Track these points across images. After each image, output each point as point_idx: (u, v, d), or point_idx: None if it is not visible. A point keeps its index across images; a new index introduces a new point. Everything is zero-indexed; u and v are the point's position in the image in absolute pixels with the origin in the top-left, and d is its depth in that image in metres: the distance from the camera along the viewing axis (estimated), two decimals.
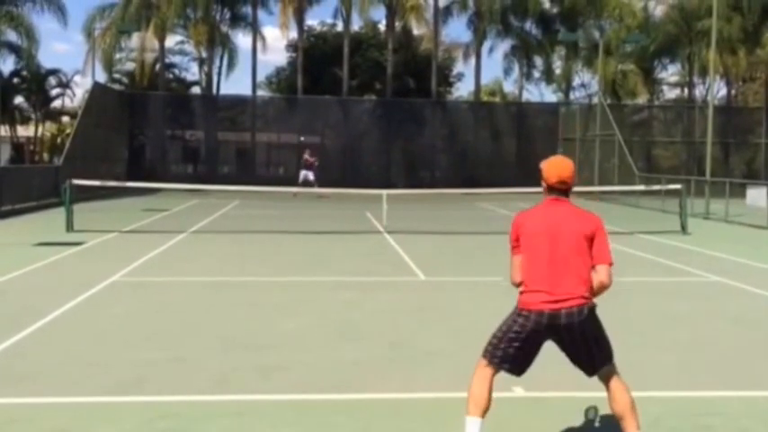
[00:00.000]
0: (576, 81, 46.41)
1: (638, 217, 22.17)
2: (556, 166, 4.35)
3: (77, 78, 62.30)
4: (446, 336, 7.41)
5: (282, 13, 39.02)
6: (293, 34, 41.36)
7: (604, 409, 4.48)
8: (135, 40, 41.12)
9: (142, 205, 23.31)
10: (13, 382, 5.74)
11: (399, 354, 6.74)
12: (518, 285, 4.28)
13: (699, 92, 45.27)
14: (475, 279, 11.06)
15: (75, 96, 51.49)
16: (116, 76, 45.14)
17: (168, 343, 7.01)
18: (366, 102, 42.45)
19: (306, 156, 30.53)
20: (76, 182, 17.42)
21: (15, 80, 47.36)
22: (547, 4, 41.87)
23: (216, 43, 40.19)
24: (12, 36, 37.22)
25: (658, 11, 42.80)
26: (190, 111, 40.19)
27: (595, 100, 36.36)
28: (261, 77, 48.58)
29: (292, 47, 44.53)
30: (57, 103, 52.41)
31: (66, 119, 53.09)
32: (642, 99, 45.76)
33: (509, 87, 53.96)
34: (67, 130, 45.29)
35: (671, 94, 53.20)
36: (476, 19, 40.17)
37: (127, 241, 14.87)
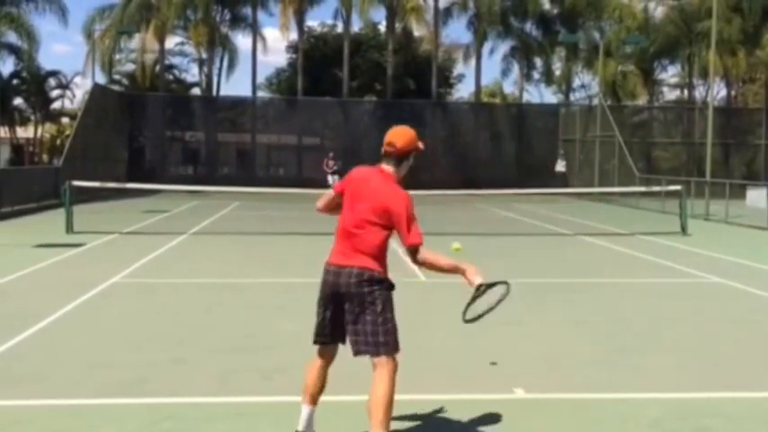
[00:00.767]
0: (577, 82, 46.57)
1: (638, 218, 22.18)
2: (390, 132, 4.45)
3: (77, 79, 62.43)
4: (446, 337, 7.41)
5: (282, 14, 39.05)
6: (293, 35, 41.49)
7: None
8: (135, 41, 41.20)
9: (142, 206, 23.31)
10: (13, 383, 5.74)
11: (399, 355, 6.72)
12: None
13: (699, 93, 45.38)
14: None
15: (75, 97, 51.66)
16: (116, 77, 45.18)
17: (169, 344, 7.01)
18: (366, 103, 42.47)
19: (328, 160, 30.80)
20: (76, 183, 17.45)
21: (15, 81, 47.41)
22: (547, 6, 41.95)
23: (216, 44, 40.22)
24: (12, 37, 37.33)
25: (658, 12, 42.90)
26: (190, 112, 40.19)
27: (595, 101, 36.38)
28: (261, 79, 48.70)
29: (292, 48, 44.58)
30: (56, 105, 52.55)
31: (65, 120, 53.11)
32: (642, 100, 45.79)
33: (509, 88, 54.06)
34: (67, 132, 45.31)
35: (671, 95, 53.35)
36: (476, 20, 40.22)
37: (127, 243, 14.88)
